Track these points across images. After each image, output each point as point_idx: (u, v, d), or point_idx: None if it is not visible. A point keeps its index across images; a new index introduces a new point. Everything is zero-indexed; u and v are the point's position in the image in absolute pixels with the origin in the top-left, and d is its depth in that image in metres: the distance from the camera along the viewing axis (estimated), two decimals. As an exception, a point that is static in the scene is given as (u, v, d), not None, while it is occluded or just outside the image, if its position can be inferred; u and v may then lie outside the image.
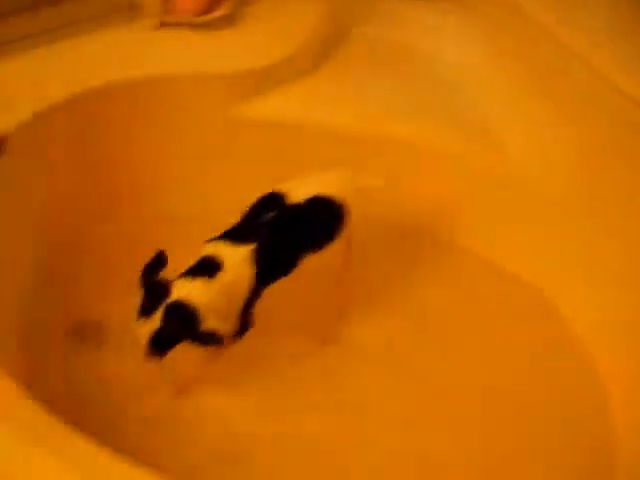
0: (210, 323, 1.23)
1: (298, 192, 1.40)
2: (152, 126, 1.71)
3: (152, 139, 1.72)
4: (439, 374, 1.58)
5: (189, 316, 1.21)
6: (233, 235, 1.34)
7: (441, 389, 1.55)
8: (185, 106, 1.71)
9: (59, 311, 1.50)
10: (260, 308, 1.39)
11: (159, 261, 1.24)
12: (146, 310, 1.20)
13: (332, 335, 1.61)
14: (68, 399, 1.29)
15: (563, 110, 1.76)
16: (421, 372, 1.58)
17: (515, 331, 1.67)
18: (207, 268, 1.28)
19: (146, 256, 1.25)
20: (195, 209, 1.74)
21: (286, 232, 1.37)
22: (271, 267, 1.35)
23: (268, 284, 1.37)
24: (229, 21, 1.83)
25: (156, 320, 1.19)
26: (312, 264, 1.41)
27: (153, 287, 1.22)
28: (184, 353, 1.28)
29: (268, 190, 1.42)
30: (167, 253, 1.25)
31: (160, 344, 1.21)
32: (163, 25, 1.77)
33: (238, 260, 1.30)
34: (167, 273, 1.25)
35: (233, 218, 1.39)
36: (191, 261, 1.31)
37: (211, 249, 1.31)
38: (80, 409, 1.20)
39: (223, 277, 1.27)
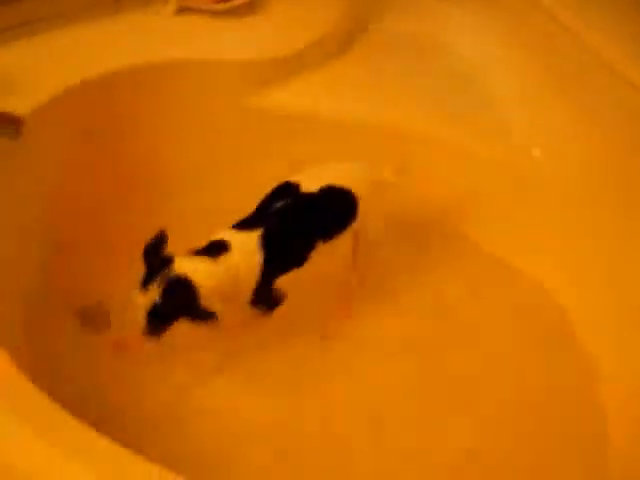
0: (211, 303, 1.23)
1: (311, 182, 1.40)
2: (172, 112, 1.72)
3: (172, 126, 1.73)
4: (445, 367, 1.58)
5: (188, 292, 1.21)
6: (244, 223, 1.35)
7: (444, 382, 1.55)
8: (203, 92, 1.72)
9: (65, 295, 1.51)
10: None
11: (160, 239, 1.24)
12: (147, 281, 1.20)
13: (333, 330, 1.61)
14: (71, 385, 1.29)
15: (579, 107, 1.75)
16: (429, 365, 1.58)
17: (517, 326, 1.67)
18: (212, 250, 1.29)
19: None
20: (209, 200, 1.75)
21: (295, 219, 1.38)
22: (280, 254, 1.35)
23: (281, 272, 1.37)
24: (249, 9, 1.82)
25: (154, 292, 1.19)
26: (325, 255, 1.41)
27: (155, 261, 1.22)
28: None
29: (284, 179, 1.43)
30: (174, 240, 1.24)
31: (157, 317, 1.20)
32: (183, 11, 1.76)
33: (244, 244, 1.31)
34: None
35: (247, 209, 1.39)
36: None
37: (220, 235, 1.32)
38: (82, 399, 1.20)
39: (227, 259, 1.27)
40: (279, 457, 1.39)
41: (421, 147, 1.73)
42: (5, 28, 1.58)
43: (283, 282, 1.41)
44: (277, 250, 1.34)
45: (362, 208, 1.45)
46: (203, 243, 1.31)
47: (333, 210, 1.43)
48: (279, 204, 1.37)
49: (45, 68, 1.56)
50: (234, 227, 1.35)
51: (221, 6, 1.79)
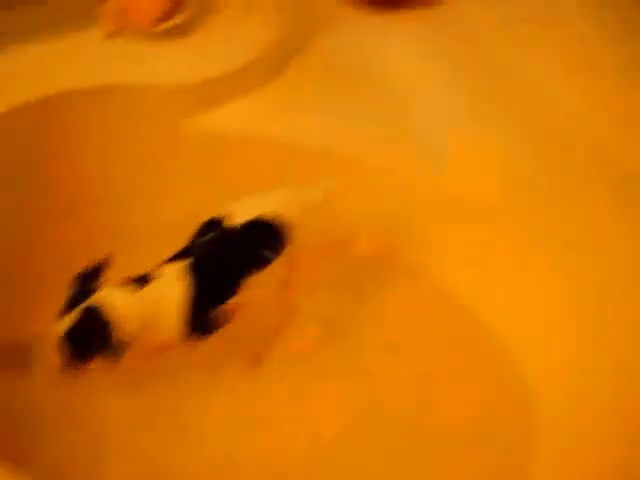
0: (127, 336, 1.21)
1: (241, 212, 1.41)
2: (105, 136, 1.71)
3: (104, 148, 1.72)
4: (381, 394, 1.58)
5: (100, 326, 1.19)
6: (174, 257, 1.36)
7: (381, 413, 1.56)
8: (137, 116, 1.72)
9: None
10: None
11: (96, 270, 1.24)
12: (66, 309, 1.19)
13: (263, 359, 1.60)
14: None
15: (507, 128, 1.81)
16: (365, 394, 1.58)
17: (452, 350, 1.69)
18: (138, 280, 1.29)
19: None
20: (146, 220, 1.74)
21: (222, 253, 1.38)
22: (206, 286, 1.34)
23: (212, 304, 1.37)
24: (183, 31, 1.83)
25: (69, 321, 1.17)
26: (257, 284, 1.42)
27: (80, 288, 1.22)
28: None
29: (217, 201, 1.43)
30: (110, 262, 1.25)
31: (70, 348, 1.18)
32: (118, 34, 1.76)
33: (169, 274, 1.31)
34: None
35: (183, 231, 1.40)
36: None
37: (151, 270, 1.32)
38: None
39: (149, 290, 1.27)
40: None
41: (353, 169, 1.76)
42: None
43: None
44: (205, 282, 1.34)
45: (295, 236, 1.46)
46: (139, 261, 1.32)
47: (263, 243, 1.43)
48: (206, 238, 1.39)
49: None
50: (166, 262, 1.35)
51: (155, 28, 1.80)
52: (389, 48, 2.01)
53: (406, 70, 1.98)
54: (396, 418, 1.54)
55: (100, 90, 1.66)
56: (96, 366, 1.24)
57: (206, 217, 1.43)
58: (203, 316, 1.36)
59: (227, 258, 1.39)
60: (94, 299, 1.20)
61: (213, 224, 1.41)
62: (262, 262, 1.43)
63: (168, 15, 1.82)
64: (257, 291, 1.42)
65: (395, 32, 2.04)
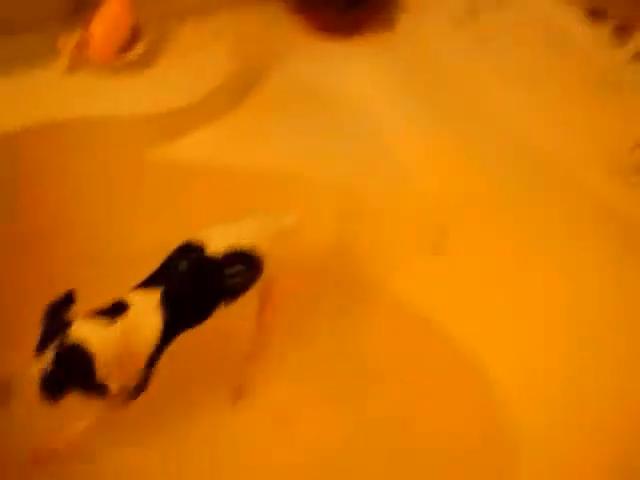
0: (107, 371, 1.18)
1: (214, 242, 1.41)
2: (70, 168, 1.71)
3: (67, 181, 1.71)
4: (365, 427, 1.60)
5: (83, 359, 1.16)
6: (146, 283, 1.35)
7: (365, 439, 1.58)
8: (102, 147, 1.73)
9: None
10: (175, 360, 1.36)
11: (67, 300, 1.21)
12: (41, 346, 1.16)
13: (245, 391, 1.61)
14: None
15: (465, 145, 1.90)
16: (348, 429, 1.59)
17: (431, 381, 1.71)
18: (112, 311, 1.26)
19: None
20: (113, 248, 1.72)
21: (197, 282, 1.38)
22: (179, 315, 1.34)
23: (178, 333, 1.36)
24: (145, 63, 1.85)
25: (48, 359, 1.14)
26: (228, 313, 1.42)
27: (53, 324, 1.18)
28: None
29: (183, 230, 1.43)
30: (80, 294, 1.22)
31: (50, 385, 1.15)
32: (79, 68, 1.78)
33: (144, 304, 1.29)
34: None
35: (150, 259, 1.39)
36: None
37: (122, 296, 1.30)
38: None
39: (125, 321, 1.25)
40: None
41: (320, 192, 1.80)
42: None
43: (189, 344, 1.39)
44: (176, 311, 1.33)
45: (266, 264, 1.46)
46: (107, 291, 1.29)
47: (235, 273, 1.43)
48: (180, 266, 1.38)
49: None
50: (137, 287, 1.34)
51: (114, 62, 1.81)
52: (345, 73, 2.07)
53: (363, 93, 2.04)
54: (380, 443, 1.56)
55: (64, 124, 1.66)
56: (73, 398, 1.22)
57: (173, 245, 1.43)
58: (162, 350, 1.34)
59: (203, 287, 1.39)
60: (72, 335, 1.17)
61: (188, 250, 1.41)
62: (238, 292, 1.44)
63: (127, 47, 1.84)
64: (232, 319, 1.43)
65: (350, 57, 2.11)
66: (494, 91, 2.03)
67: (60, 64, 1.75)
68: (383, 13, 2.22)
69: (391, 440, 1.57)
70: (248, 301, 1.48)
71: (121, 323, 1.24)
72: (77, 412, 1.27)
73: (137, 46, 1.85)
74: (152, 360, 1.31)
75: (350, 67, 2.10)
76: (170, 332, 1.33)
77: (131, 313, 1.27)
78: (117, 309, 1.27)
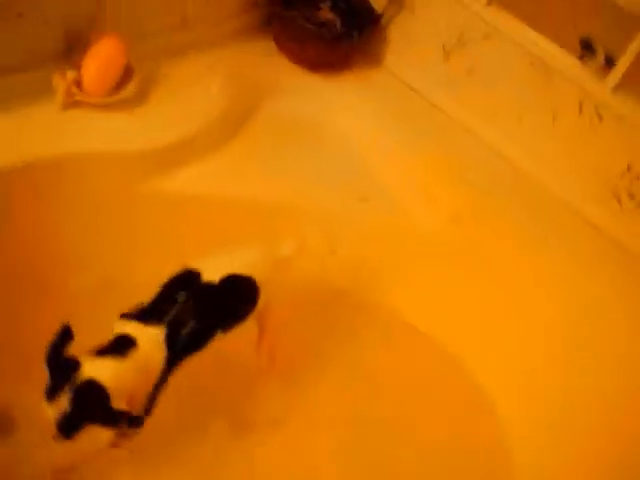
0: (120, 404, 1.19)
1: (211, 270, 1.41)
2: (62, 203, 1.71)
3: (62, 215, 1.71)
4: (364, 446, 1.62)
5: (100, 397, 1.17)
6: (146, 314, 1.34)
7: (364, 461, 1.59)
8: (95, 183, 1.73)
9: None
10: (179, 390, 1.36)
11: (65, 336, 1.20)
12: (53, 390, 1.16)
13: (249, 419, 1.61)
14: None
15: (448, 170, 1.97)
16: (349, 448, 1.61)
17: (426, 388, 1.75)
18: (119, 347, 1.26)
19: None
20: (105, 282, 1.73)
21: (198, 313, 1.38)
22: (182, 348, 1.35)
23: (178, 364, 1.36)
24: (137, 101, 1.87)
25: (64, 402, 1.14)
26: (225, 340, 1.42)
27: (60, 365, 1.17)
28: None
29: (178, 261, 1.44)
30: (79, 324, 1.21)
31: (70, 427, 1.16)
32: (71, 106, 1.80)
33: (151, 341, 1.30)
34: (82, 346, 1.22)
35: (146, 290, 1.39)
36: (104, 335, 1.29)
37: (124, 328, 1.30)
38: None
39: (135, 356, 1.26)
40: None
41: (312, 221, 1.83)
42: None
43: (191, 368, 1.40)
44: (180, 344, 1.33)
45: (265, 290, 1.47)
46: (105, 323, 1.30)
47: (235, 301, 1.45)
48: (181, 296, 1.38)
49: None
50: (136, 318, 1.33)
51: (107, 99, 1.84)
52: (335, 106, 2.13)
53: (352, 125, 2.09)
54: (383, 458, 1.58)
55: (59, 159, 1.66)
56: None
57: (166, 278, 1.43)
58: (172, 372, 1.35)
59: (201, 315, 1.38)
60: (84, 373, 1.18)
61: (184, 279, 1.41)
62: (238, 319, 1.44)
63: (120, 85, 1.87)
64: (233, 346, 1.43)
65: (339, 91, 2.17)
66: (482, 122, 2.08)
67: (54, 102, 1.76)
68: (371, 47, 2.28)
69: (394, 449, 1.60)
70: (248, 330, 1.48)
71: (132, 357, 1.25)
72: (89, 441, 1.26)
73: (130, 84, 1.88)
74: (156, 389, 1.32)
75: (339, 100, 2.15)
76: (172, 362, 1.33)
77: (140, 348, 1.27)
78: (123, 344, 1.27)
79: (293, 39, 2.16)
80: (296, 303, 1.63)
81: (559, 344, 1.69)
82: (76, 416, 1.16)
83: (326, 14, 2.24)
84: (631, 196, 1.87)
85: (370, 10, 2.23)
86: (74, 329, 1.22)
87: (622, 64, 1.80)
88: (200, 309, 1.38)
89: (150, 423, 1.30)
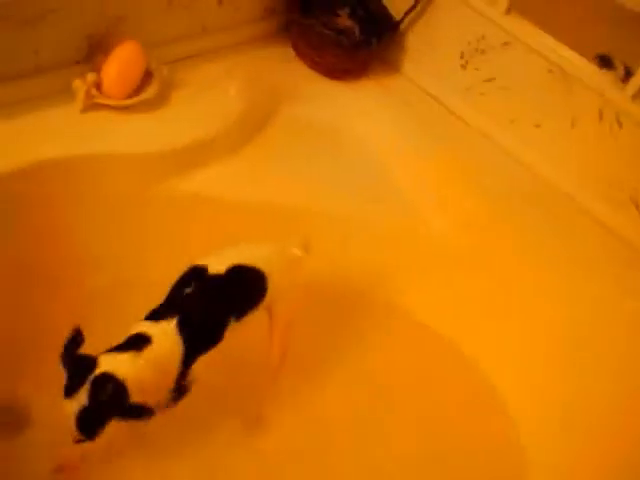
0: (138, 397, 1.20)
1: (217, 264, 1.43)
2: (80, 203, 1.73)
3: (80, 214, 1.73)
4: (383, 446, 1.62)
5: (117, 389, 1.18)
6: (157, 312, 1.36)
7: (381, 459, 1.59)
8: (111, 183, 1.74)
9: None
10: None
11: (76, 339, 1.21)
12: (72, 388, 1.16)
13: (260, 417, 1.61)
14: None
15: (466, 176, 1.96)
16: (365, 449, 1.61)
17: (440, 389, 1.75)
18: (134, 343, 1.28)
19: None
20: (118, 283, 1.75)
21: (206, 301, 1.39)
22: (197, 337, 1.36)
23: (198, 354, 1.37)
24: (156, 103, 1.89)
25: (82, 397, 1.15)
26: (240, 334, 1.43)
27: (76, 363, 1.19)
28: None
29: (193, 259, 1.45)
30: (91, 325, 1.23)
31: (89, 422, 1.16)
32: (91, 109, 1.82)
33: (164, 334, 1.31)
34: (96, 347, 1.23)
35: (160, 290, 1.40)
36: (118, 335, 1.30)
37: (137, 328, 1.32)
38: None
39: (151, 350, 1.27)
40: None
41: (327, 224, 1.83)
42: None
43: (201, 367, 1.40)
44: (194, 334, 1.34)
45: (273, 285, 1.48)
46: (120, 324, 1.31)
47: (242, 287, 1.46)
48: (189, 289, 1.39)
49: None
50: (148, 318, 1.35)
51: (127, 102, 1.86)
52: (352, 112, 2.13)
53: (370, 131, 2.09)
54: (396, 457, 1.58)
55: (75, 161, 1.68)
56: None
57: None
58: (186, 374, 1.36)
59: (214, 307, 1.40)
60: (99, 368, 1.19)
61: (195, 272, 1.43)
62: (247, 305, 1.45)
63: (139, 89, 1.88)
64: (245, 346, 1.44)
65: (357, 97, 2.17)
66: (500, 129, 2.08)
67: (74, 105, 1.78)
68: (389, 54, 2.29)
69: (406, 448, 1.60)
70: (260, 328, 1.48)
71: (148, 352, 1.26)
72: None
73: (149, 87, 1.90)
74: (180, 378, 1.33)
75: (356, 106, 2.15)
76: (190, 355, 1.34)
77: (155, 343, 1.28)
78: (138, 341, 1.29)
79: (311, 46, 2.17)
80: (308, 303, 1.62)
81: (573, 345, 1.68)
82: (95, 410, 1.16)
83: (344, 21, 2.25)
84: (650, 203, 1.86)
85: (388, 17, 2.23)
86: (88, 329, 1.24)
87: (642, 72, 1.79)
88: (208, 297, 1.40)
89: (160, 420, 1.31)
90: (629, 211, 1.88)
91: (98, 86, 1.82)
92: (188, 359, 1.34)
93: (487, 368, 1.76)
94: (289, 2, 2.21)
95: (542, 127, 2.02)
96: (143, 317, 1.36)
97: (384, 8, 2.24)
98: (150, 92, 1.89)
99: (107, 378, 1.18)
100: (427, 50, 2.21)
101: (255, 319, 1.47)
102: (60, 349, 1.20)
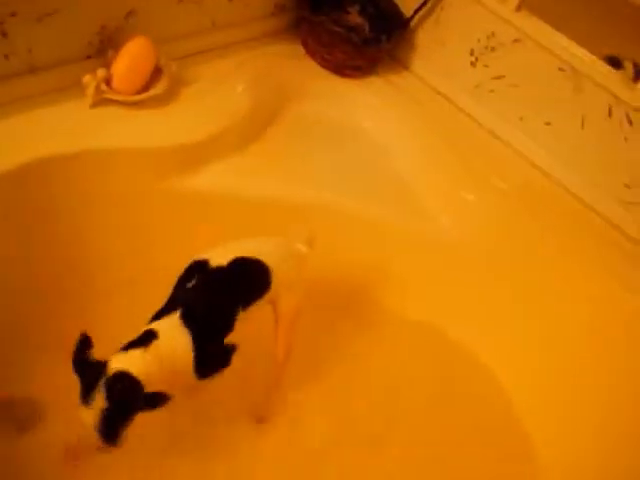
0: (156, 388, 1.20)
1: (219, 257, 1.44)
2: (87, 197, 1.73)
3: (87, 208, 1.75)
4: (382, 448, 1.63)
5: (132, 385, 1.18)
6: (163, 310, 1.37)
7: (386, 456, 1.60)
8: (116, 180, 1.75)
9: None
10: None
11: (84, 343, 1.22)
12: (87, 392, 1.17)
13: (267, 412, 1.62)
14: None
15: (476, 176, 1.95)
16: (367, 448, 1.62)
17: (445, 389, 1.76)
18: (141, 341, 1.28)
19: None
20: (127, 278, 1.76)
21: (209, 291, 1.40)
22: (205, 326, 1.35)
23: (212, 342, 1.37)
24: (164, 100, 1.89)
25: (99, 401, 1.15)
26: (247, 326, 1.43)
27: (88, 369, 1.19)
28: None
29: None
30: (97, 323, 1.25)
31: (111, 425, 1.17)
32: (100, 103, 1.82)
33: (170, 327, 1.31)
34: (105, 345, 1.24)
35: (167, 287, 1.41)
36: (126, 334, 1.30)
37: (145, 327, 1.33)
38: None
39: (157, 344, 1.27)
40: None
41: (333, 221, 1.84)
42: None
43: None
44: (201, 324, 1.34)
45: (277, 280, 1.48)
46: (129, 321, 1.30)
47: (245, 278, 1.46)
48: (192, 282, 1.40)
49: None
50: (154, 319, 1.35)
51: (136, 97, 1.86)
52: (361, 109, 2.13)
53: (378, 128, 2.08)
54: (406, 459, 1.60)
55: (83, 156, 1.69)
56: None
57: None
58: (207, 354, 1.36)
59: (218, 295, 1.41)
60: (111, 368, 1.19)
61: (197, 266, 1.43)
62: (252, 295, 1.45)
63: (149, 84, 1.89)
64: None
65: (365, 94, 2.17)
66: (509, 127, 2.07)
67: (84, 100, 1.79)
68: (399, 51, 2.28)
69: (416, 449, 1.61)
70: (265, 325, 1.49)
71: (155, 346, 1.27)
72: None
73: (158, 83, 1.90)
74: (203, 368, 1.34)
75: (365, 104, 2.16)
76: (204, 342, 1.34)
77: (161, 337, 1.29)
78: (145, 338, 1.29)
79: (321, 42, 2.17)
80: (312, 300, 1.61)
81: (592, 354, 1.66)
82: (114, 410, 1.16)
83: (355, 18, 2.25)
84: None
85: (398, 14, 2.23)
86: (98, 329, 1.25)
87: (653, 70, 1.78)
88: (211, 288, 1.40)
89: (164, 417, 1.31)
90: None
91: (108, 81, 1.82)
92: (202, 346, 1.33)
93: (496, 372, 1.75)
94: (299, -1, 2.22)
95: (552, 125, 2.01)
96: (150, 317, 1.37)
97: (394, 5, 2.24)
98: (159, 88, 1.89)
99: (120, 376, 1.18)
100: (437, 47, 2.20)
101: (260, 314, 1.48)
102: (70, 353, 1.21)
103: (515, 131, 2.08)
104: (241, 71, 2.03)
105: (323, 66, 2.19)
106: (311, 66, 2.18)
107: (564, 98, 1.96)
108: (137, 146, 1.75)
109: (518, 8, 1.99)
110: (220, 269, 1.42)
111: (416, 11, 2.18)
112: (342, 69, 2.19)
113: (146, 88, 1.88)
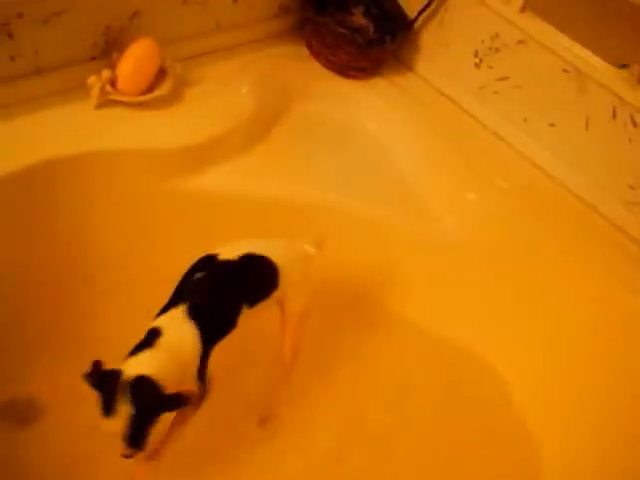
0: (172, 388, 1.19)
1: (229, 252, 1.44)
2: (91, 201, 1.74)
3: (92, 209, 1.76)
4: (389, 451, 1.63)
5: (153, 387, 1.17)
6: (170, 302, 1.36)
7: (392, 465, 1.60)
8: (123, 180, 1.76)
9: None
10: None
11: (97, 367, 1.18)
12: (108, 404, 1.15)
13: (271, 414, 1.62)
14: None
15: (480, 176, 1.95)
16: (373, 449, 1.62)
17: (451, 392, 1.76)
18: (147, 342, 1.27)
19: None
20: (128, 281, 1.77)
21: (215, 285, 1.39)
22: (211, 320, 1.35)
23: (216, 339, 1.36)
24: (168, 101, 1.90)
25: (125, 407, 1.13)
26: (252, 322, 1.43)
27: (104, 380, 1.17)
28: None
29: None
30: (102, 325, 1.24)
31: (139, 430, 1.15)
32: (105, 104, 1.83)
33: (174, 322, 1.30)
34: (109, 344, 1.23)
35: (171, 287, 1.39)
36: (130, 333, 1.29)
37: (151, 324, 1.31)
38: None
39: (163, 341, 1.26)
40: None
41: (337, 222, 1.84)
42: None
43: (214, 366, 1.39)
44: (207, 318, 1.33)
45: (285, 280, 1.48)
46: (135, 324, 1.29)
47: (252, 274, 1.45)
48: (199, 275, 1.39)
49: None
50: (161, 312, 1.34)
51: (141, 98, 1.87)
52: (365, 110, 2.13)
53: (382, 129, 2.08)
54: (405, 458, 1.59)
55: (87, 156, 1.69)
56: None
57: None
58: (206, 360, 1.35)
59: (224, 290, 1.40)
60: (125, 374, 1.17)
61: (205, 260, 1.43)
62: (259, 293, 1.45)
63: (154, 86, 1.90)
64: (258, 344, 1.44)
65: (369, 96, 2.17)
66: (513, 128, 2.07)
67: (89, 101, 1.80)
68: (403, 53, 2.29)
69: (423, 450, 1.61)
70: (272, 327, 1.49)
71: (161, 343, 1.26)
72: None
73: (163, 84, 1.91)
74: (202, 365, 1.33)
75: (370, 105, 2.16)
76: (208, 339, 1.33)
77: (166, 332, 1.28)
78: (150, 336, 1.28)
79: (325, 44, 2.17)
80: (318, 301, 1.61)
81: (595, 355, 1.66)
82: (141, 415, 1.15)
83: (359, 19, 2.25)
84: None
85: (403, 16, 2.23)
86: (100, 328, 1.24)
87: (657, 71, 1.78)
88: (217, 282, 1.40)
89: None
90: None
91: (113, 82, 1.83)
92: (206, 343, 1.33)
93: (500, 372, 1.75)
94: (303, 0, 2.22)
95: (556, 126, 2.01)
96: (158, 311, 1.36)
97: (398, 7, 2.24)
98: (164, 89, 1.90)
99: (141, 380, 1.17)
100: (441, 49, 2.21)
101: (267, 314, 1.48)
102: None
103: (519, 132, 2.08)
104: (246, 72, 2.04)
105: (327, 67, 2.20)
106: (315, 67, 2.18)
107: (568, 99, 1.96)
108: (142, 147, 1.76)
109: (522, 9, 1.99)
110: (229, 262, 1.42)
111: (420, 12, 2.19)
112: (346, 70, 2.19)
113: (151, 89, 1.89)
